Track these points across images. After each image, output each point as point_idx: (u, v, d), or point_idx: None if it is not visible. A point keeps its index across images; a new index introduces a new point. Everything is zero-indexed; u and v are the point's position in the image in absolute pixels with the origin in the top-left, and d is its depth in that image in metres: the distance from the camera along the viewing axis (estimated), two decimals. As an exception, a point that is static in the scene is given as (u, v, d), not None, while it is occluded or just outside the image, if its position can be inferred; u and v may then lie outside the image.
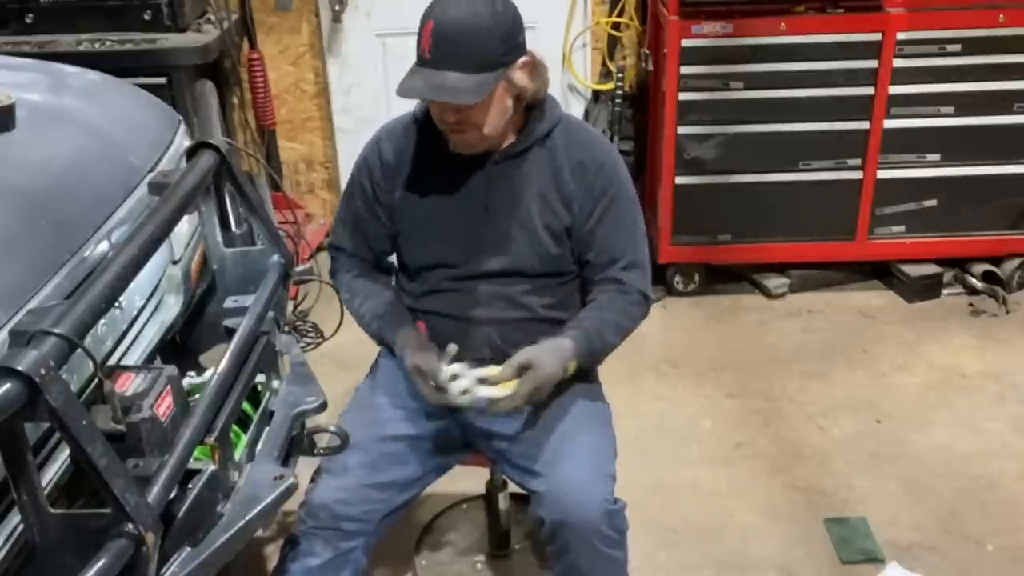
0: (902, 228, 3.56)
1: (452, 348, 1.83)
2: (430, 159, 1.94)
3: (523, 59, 1.80)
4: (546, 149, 1.91)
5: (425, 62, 1.75)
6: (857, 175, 3.47)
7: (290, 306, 3.26)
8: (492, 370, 1.82)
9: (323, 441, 1.86)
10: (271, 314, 1.84)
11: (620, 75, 3.72)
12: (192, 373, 1.79)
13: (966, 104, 3.37)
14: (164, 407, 1.45)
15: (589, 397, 2.00)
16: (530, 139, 1.90)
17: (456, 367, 1.80)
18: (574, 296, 2.02)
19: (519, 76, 1.80)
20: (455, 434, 2.00)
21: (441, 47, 1.72)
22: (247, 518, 1.52)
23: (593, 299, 1.96)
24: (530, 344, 1.86)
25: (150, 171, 2.02)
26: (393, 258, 2.12)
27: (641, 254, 1.98)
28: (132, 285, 1.55)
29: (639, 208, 1.99)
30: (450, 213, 1.94)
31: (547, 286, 1.96)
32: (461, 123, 1.81)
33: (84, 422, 1.22)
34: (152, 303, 2.02)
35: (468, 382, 1.78)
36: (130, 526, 1.27)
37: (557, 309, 1.98)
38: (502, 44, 1.75)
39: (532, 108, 1.90)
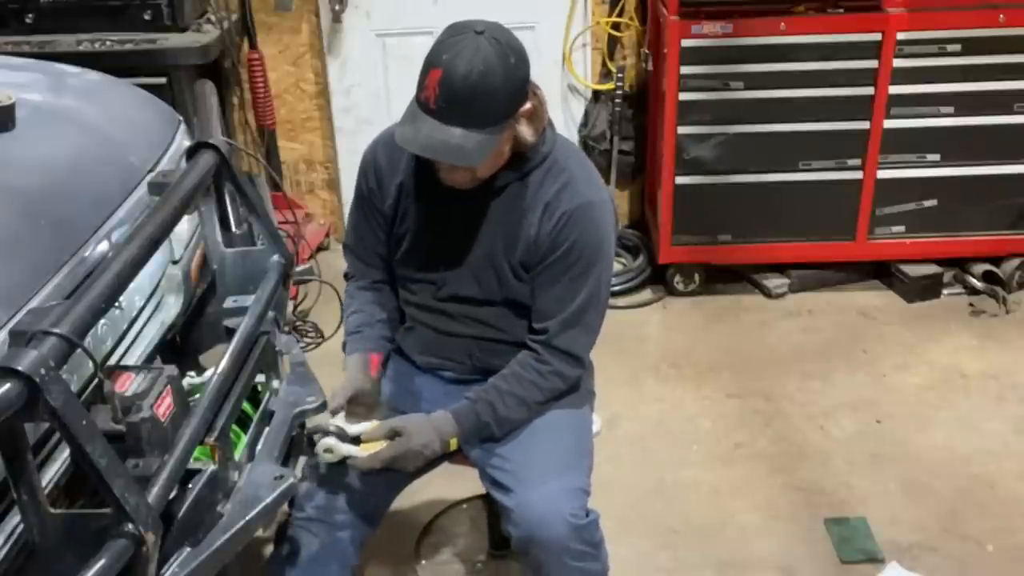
0: (902, 228, 3.55)
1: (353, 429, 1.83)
2: (421, 179, 1.91)
3: (526, 107, 1.75)
4: (523, 187, 1.85)
5: (430, 111, 1.67)
6: (857, 175, 3.47)
7: (290, 306, 3.25)
8: (369, 425, 1.84)
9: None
10: (271, 314, 1.84)
11: (620, 75, 3.72)
12: (192, 373, 1.79)
13: (966, 104, 3.36)
14: (164, 407, 1.45)
15: (567, 407, 1.98)
16: (508, 177, 1.85)
17: (338, 420, 1.82)
18: None
19: (522, 127, 1.76)
20: None
21: (448, 102, 1.64)
22: (247, 518, 1.52)
23: (507, 367, 1.92)
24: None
25: (150, 171, 2.03)
26: None
27: (585, 315, 1.88)
28: (132, 285, 1.55)
29: (603, 265, 1.88)
30: (432, 234, 1.93)
31: (519, 314, 1.94)
32: (454, 167, 1.77)
33: (84, 422, 1.22)
34: (152, 303, 2.02)
35: (333, 440, 1.79)
36: (130, 526, 1.27)
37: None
38: (511, 101, 1.70)
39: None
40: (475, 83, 1.64)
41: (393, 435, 1.82)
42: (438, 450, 1.84)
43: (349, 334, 2.01)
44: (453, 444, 1.86)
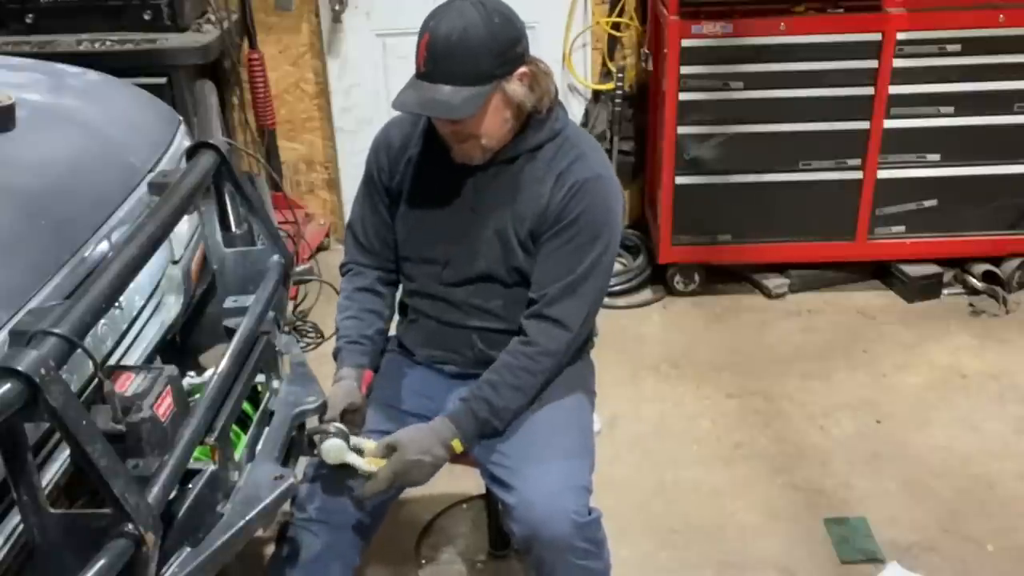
0: (902, 228, 3.55)
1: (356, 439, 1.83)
2: (431, 154, 1.94)
3: (521, 70, 1.79)
4: (535, 160, 1.89)
5: (421, 75, 1.76)
6: (857, 175, 3.47)
7: (290, 306, 3.25)
8: (368, 443, 1.84)
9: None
10: (271, 314, 1.84)
11: (620, 75, 3.72)
12: (192, 373, 1.79)
13: (966, 104, 3.36)
14: (164, 407, 1.45)
15: (570, 405, 1.99)
16: (519, 148, 1.89)
17: (338, 427, 1.81)
18: None
19: (515, 88, 1.79)
20: None
21: (435, 61, 1.73)
22: (247, 518, 1.52)
23: (497, 360, 1.91)
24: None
25: (150, 171, 2.03)
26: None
27: (584, 284, 1.88)
28: (132, 285, 1.55)
29: (608, 239, 1.89)
30: (439, 210, 1.95)
31: (523, 299, 1.94)
32: (459, 134, 1.82)
33: (84, 422, 1.22)
34: (152, 303, 2.02)
35: (338, 444, 1.78)
36: (130, 526, 1.27)
37: None
38: (496, 57, 1.75)
39: (532, 117, 1.87)
40: (456, 40, 1.72)
41: (390, 451, 1.82)
42: (442, 454, 1.84)
43: (348, 342, 2.00)
44: (457, 446, 1.86)
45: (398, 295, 2.12)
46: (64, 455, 1.57)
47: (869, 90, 3.33)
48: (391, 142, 1.99)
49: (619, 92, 3.73)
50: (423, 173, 1.96)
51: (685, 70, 3.31)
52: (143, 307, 1.96)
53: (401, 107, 1.79)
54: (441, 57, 1.73)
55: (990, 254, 3.60)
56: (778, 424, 2.98)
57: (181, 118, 2.39)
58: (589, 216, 1.87)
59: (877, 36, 3.26)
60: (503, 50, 1.76)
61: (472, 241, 1.93)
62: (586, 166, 1.88)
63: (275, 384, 1.84)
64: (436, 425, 1.86)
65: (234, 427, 1.66)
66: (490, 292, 1.96)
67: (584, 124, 3.86)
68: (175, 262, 2.12)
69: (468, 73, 1.73)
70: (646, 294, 3.72)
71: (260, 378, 1.81)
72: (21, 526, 1.36)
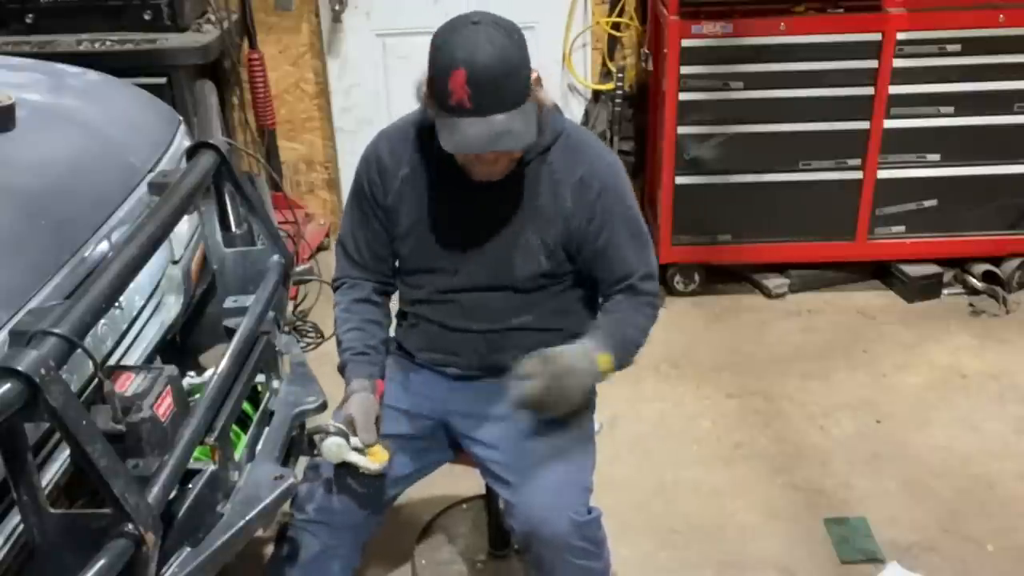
0: (902, 228, 3.56)
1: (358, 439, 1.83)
2: (428, 165, 1.91)
3: (534, 75, 1.77)
4: (545, 163, 1.87)
5: (466, 111, 1.67)
6: (857, 175, 3.47)
7: (290, 306, 3.25)
8: (368, 439, 1.82)
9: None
10: (271, 314, 1.85)
11: (620, 75, 3.72)
12: (192, 373, 1.79)
13: (966, 104, 3.37)
14: (164, 407, 1.45)
15: None
16: (529, 153, 1.86)
17: (337, 427, 1.80)
18: (562, 308, 1.99)
19: (541, 94, 1.79)
20: (443, 435, 2.02)
21: (483, 94, 1.66)
22: (247, 518, 1.52)
23: (606, 308, 1.96)
24: (514, 354, 1.87)
25: (150, 171, 2.03)
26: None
27: (651, 264, 1.95)
28: (132, 285, 1.55)
29: (639, 216, 1.95)
30: (444, 221, 1.92)
31: (534, 301, 1.94)
32: (499, 157, 1.78)
33: (84, 422, 1.22)
34: (152, 303, 2.02)
35: (339, 442, 1.78)
36: (130, 526, 1.27)
37: (544, 321, 1.97)
38: (528, 72, 1.74)
39: None
40: (500, 69, 1.67)
41: (540, 363, 1.75)
42: (593, 368, 1.80)
43: (354, 354, 1.96)
44: (603, 361, 1.82)
45: (395, 303, 2.10)
46: (64, 455, 1.57)
47: (869, 90, 3.34)
48: (381, 157, 1.94)
49: (619, 92, 3.73)
50: (423, 189, 1.91)
51: (685, 70, 3.31)
52: (143, 307, 1.97)
53: (465, 150, 1.72)
54: (489, 89, 1.66)
55: (990, 254, 3.60)
56: (778, 424, 2.98)
57: (181, 118, 2.39)
58: (624, 206, 1.90)
59: (877, 36, 3.26)
60: (529, 63, 1.74)
61: (481, 251, 1.91)
62: (601, 162, 1.90)
63: (275, 384, 1.85)
64: (583, 344, 1.84)
65: (234, 427, 1.66)
66: (500, 298, 1.94)
67: (584, 124, 3.86)
68: (175, 262, 2.12)
69: (515, 97, 1.69)
70: (646, 294, 3.72)
71: (260, 378, 1.81)
72: (21, 526, 1.36)
